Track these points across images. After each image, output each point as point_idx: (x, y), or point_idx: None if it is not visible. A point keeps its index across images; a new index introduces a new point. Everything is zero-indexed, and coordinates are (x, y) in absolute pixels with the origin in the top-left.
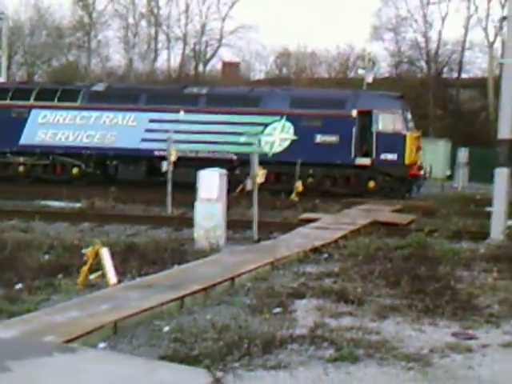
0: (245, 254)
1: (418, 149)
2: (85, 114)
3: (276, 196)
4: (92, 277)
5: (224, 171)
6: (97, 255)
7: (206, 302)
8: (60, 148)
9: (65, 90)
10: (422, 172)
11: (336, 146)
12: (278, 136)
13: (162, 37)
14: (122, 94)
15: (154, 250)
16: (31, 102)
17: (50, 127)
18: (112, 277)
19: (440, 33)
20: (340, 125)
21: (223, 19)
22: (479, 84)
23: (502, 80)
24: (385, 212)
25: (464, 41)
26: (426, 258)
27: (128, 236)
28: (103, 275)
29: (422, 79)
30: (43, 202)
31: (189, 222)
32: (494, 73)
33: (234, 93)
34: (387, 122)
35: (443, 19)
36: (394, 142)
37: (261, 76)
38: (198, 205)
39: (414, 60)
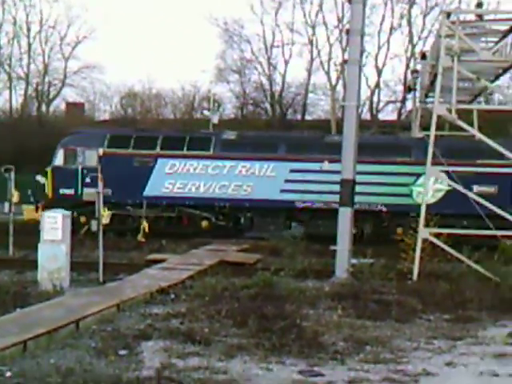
0: (90, 296)
1: None
2: (218, 163)
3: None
4: None
5: (68, 212)
6: None
7: (49, 345)
8: (189, 199)
9: (194, 138)
10: None
11: (494, 196)
12: (431, 187)
13: (3, 76)
14: (259, 142)
15: None
16: (157, 150)
17: (179, 177)
18: None
19: (284, 75)
20: (498, 175)
21: (66, 59)
22: (323, 125)
23: (344, 122)
24: (231, 252)
25: (307, 84)
26: (273, 296)
27: None
28: None
29: (266, 121)
30: None
31: (32, 264)
32: (336, 115)
33: (382, 141)
34: None
35: (287, 62)
36: None
37: (106, 116)
38: (41, 246)
39: (258, 102)
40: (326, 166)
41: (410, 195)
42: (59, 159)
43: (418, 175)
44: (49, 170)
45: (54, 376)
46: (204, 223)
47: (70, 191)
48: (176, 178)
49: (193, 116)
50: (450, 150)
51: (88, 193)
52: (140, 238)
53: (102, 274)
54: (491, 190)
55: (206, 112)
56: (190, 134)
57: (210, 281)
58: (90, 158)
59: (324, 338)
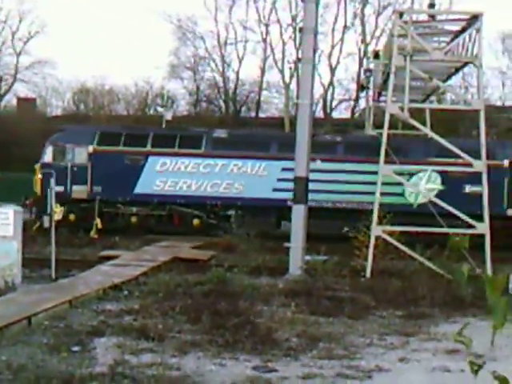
0: (42, 293)
1: None
2: (210, 161)
3: (75, 234)
4: None
5: (20, 208)
6: None
7: (1, 342)
8: (181, 197)
9: (185, 136)
10: None
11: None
12: (423, 186)
13: None
14: (250, 141)
15: None
16: (148, 148)
17: (170, 175)
18: None
19: (238, 73)
20: (491, 175)
21: (18, 54)
22: (276, 123)
23: (297, 120)
24: (185, 248)
25: (261, 81)
26: (226, 293)
27: None
28: None
29: (220, 118)
30: None
31: None
32: (289, 113)
33: (374, 141)
34: None
35: (240, 60)
36: None
37: (58, 112)
38: None
39: (212, 99)
40: (318, 164)
41: (402, 194)
42: (48, 156)
43: (411, 175)
44: (37, 166)
45: (5, 373)
46: (195, 221)
47: (59, 188)
48: (167, 176)
49: (146, 112)
50: (443, 148)
51: (77, 190)
52: (93, 234)
53: (55, 271)
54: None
55: (159, 108)
56: (181, 131)
57: (163, 277)
58: (80, 155)
59: (277, 334)
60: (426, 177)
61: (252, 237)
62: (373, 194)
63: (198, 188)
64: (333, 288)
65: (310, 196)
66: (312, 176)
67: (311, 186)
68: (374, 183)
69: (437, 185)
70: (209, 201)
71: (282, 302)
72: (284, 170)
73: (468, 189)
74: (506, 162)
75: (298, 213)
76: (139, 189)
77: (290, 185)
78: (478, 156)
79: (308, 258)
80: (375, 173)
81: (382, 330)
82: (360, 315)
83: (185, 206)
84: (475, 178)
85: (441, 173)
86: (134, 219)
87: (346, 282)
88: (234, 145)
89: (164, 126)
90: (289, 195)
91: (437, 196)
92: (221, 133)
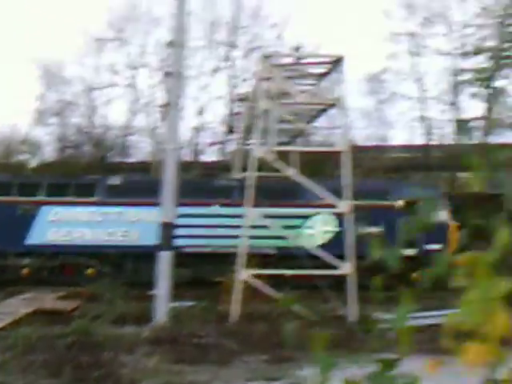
0: None
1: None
2: (104, 209)
3: None
4: None
5: None
6: None
7: None
8: (74, 247)
9: (78, 184)
10: None
11: (382, 237)
12: (319, 229)
13: None
14: (144, 187)
15: None
16: (41, 197)
17: (63, 225)
18: None
19: (105, 118)
20: (384, 216)
21: None
22: (144, 168)
23: (164, 164)
24: (49, 299)
25: (128, 126)
26: (89, 344)
27: None
28: None
29: (87, 164)
30: None
31: None
32: (157, 157)
33: (271, 185)
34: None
35: (108, 104)
36: (439, 232)
37: None
38: None
39: (79, 144)
40: (214, 209)
41: (298, 237)
42: None
43: (307, 217)
44: None
45: None
46: (89, 271)
47: None
48: (60, 225)
49: (10, 159)
50: (338, 191)
51: None
52: None
53: None
54: (378, 230)
55: (23, 155)
56: (74, 179)
57: (24, 331)
58: None
59: None
60: (322, 219)
61: (118, 285)
62: (270, 238)
63: (92, 237)
64: (198, 335)
65: (209, 242)
66: (210, 222)
67: (209, 232)
68: (268, 227)
69: (332, 227)
70: (104, 249)
71: (146, 351)
72: (181, 216)
73: (366, 230)
74: (398, 203)
75: (164, 259)
76: (31, 240)
77: (187, 231)
78: (376, 196)
79: (175, 304)
80: (271, 217)
81: (247, 375)
82: (225, 361)
83: (79, 255)
84: (370, 220)
85: (338, 215)
86: (25, 271)
87: (211, 327)
88: (128, 192)
89: (29, 172)
90: (185, 242)
91: (334, 238)
92: (114, 180)
